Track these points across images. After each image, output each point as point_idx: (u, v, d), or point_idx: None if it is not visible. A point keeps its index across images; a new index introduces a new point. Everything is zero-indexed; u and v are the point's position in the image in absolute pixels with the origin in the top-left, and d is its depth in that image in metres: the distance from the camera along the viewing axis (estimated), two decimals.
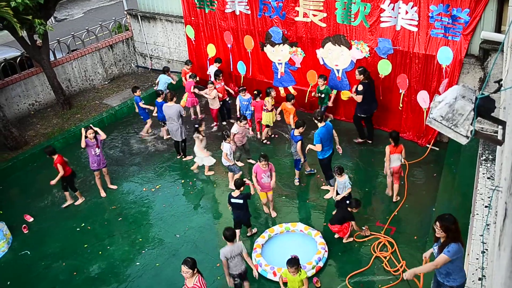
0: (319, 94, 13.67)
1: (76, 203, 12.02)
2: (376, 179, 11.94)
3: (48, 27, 14.66)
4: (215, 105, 14.43)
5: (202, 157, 12.49)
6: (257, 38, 15.16)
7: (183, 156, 13.57)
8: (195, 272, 7.45)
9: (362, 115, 12.98)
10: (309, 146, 11.04)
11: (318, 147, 10.80)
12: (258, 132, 14.11)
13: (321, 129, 10.80)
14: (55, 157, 11.44)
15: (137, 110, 14.56)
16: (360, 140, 13.30)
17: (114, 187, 12.60)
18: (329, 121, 11.66)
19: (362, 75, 12.55)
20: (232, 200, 9.95)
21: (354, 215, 9.91)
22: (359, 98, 12.60)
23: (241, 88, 13.93)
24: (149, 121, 14.66)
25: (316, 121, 10.91)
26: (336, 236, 10.14)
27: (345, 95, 13.88)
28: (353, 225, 9.97)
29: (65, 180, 11.76)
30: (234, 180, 10.05)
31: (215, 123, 14.89)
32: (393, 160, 10.63)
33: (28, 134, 15.29)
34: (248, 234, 10.53)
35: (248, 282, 8.84)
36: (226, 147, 11.42)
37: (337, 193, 10.26)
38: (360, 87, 12.56)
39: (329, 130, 10.90)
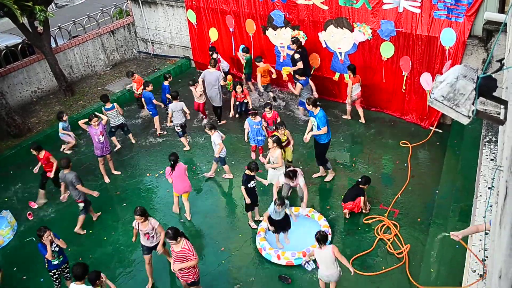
0: (244, 61, 14.87)
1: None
2: (379, 162, 11.97)
3: (48, 13, 14.64)
4: (201, 99, 14.15)
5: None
6: (259, 21, 15.10)
7: (217, 121, 14.29)
8: (179, 239, 7.98)
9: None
10: (313, 132, 10.93)
11: (325, 130, 10.79)
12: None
13: (322, 112, 10.84)
14: (42, 153, 11.34)
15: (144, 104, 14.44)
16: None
17: (118, 172, 12.65)
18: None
19: (295, 44, 13.62)
20: (250, 185, 9.99)
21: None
22: (300, 65, 13.42)
23: (251, 112, 12.09)
24: (157, 118, 14.24)
25: (311, 108, 10.88)
26: (347, 215, 10.29)
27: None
28: (362, 201, 10.11)
29: (47, 177, 11.61)
30: (249, 164, 9.96)
31: (203, 116, 14.43)
32: (355, 88, 12.95)
33: (31, 122, 15.34)
34: (256, 218, 10.57)
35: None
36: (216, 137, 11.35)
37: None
38: (297, 56, 13.54)
39: (324, 112, 11.00)
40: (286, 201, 9.51)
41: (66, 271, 9.13)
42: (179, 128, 13.06)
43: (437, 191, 10.42)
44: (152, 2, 18.01)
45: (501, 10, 10.70)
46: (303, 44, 14.14)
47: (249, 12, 15.13)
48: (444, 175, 10.70)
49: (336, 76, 14.15)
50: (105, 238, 10.71)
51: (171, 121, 13.12)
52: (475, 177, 9.49)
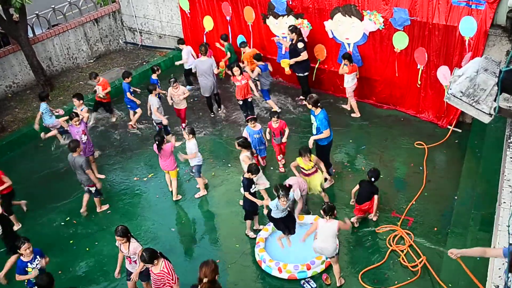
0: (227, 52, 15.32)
1: (14, 228, 11.05)
2: (391, 165, 11.96)
3: (25, 0, 14.63)
4: (181, 105, 13.72)
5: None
6: (258, 9, 15.10)
7: (218, 109, 14.71)
8: (156, 262, 7.88)
9: (306, 73, 14.12)
10: (314, 137, 10.89)
11: (327, 133, 10.82)
12: (280, 162, 12.24)
13: (324, 112, 10.86)
14: None
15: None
16: (302, 97, 14.52)
17: (102, 176, 12.62)
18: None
19: (294, 33, 13.67)
20: (251, 191, 9.96)
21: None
22: (304, 55, 13.67)
23: (249, 117, 11.66)
24: (139, 111, 14.23)
25: (312, 108, 10.91)
26: (356, 224, 10.31)
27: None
28: (377, 199, 10.11)
29: (3, 198, 10.89)
30: (250, 165, 9.94)
31: (184, 124, 13.97)
32: (352, 79, 13.21)
33: (5, 120, 15.32)
34: (255, 227, 10.57)
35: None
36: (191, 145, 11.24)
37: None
38: (301, 45, 13.66)
39: (326, 112, 11.00)
40: (291, 195, 9.43)
41: None
42: (160, 125, 13.33)
43: (455, 197, 10.42)
44: None
45: None
46: (307, 34, 14.17)
47: None
48: (463, 179, 10.69)
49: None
50: (87, 248, 10.68)
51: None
52: (498, 182, 9.47)
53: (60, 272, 10.03)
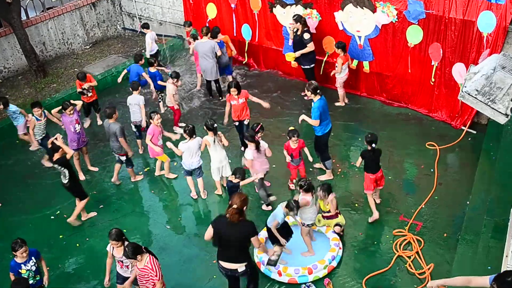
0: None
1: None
2: (400, 166, 11.97)
3: None
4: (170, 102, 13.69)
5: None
6: None
7: (220, 98, 14.90)
8: (140, 257, 7.85)
9: (312, 65, 14.14)
10: (304, 117, 11.10)
11: (316, 123, 10.97)
12: (291, 185, 11.62)
13: (320, 102, 10.91)
14: None
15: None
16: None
17: (95, 169, 12.68)
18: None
19: (299, 23, 13.63)
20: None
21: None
22: (311, 46, 13.64)
23: (258, 127, 10.92)
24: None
25: (310, 95, 11.01)
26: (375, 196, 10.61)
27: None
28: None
29: None
30: (234, 170, 9.99)
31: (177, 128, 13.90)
32: (344, 68, 13.49)
33: None
34: None
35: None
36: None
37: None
38: (307, 35, 13.64)
39: (326, 101, 11.11)
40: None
41: None
42: (134, 128, 13.22)
43: (467, 202, 10.39)
44: None
45: None
46: (315, 25, 14.17)
47: None
48: (477, 183, 10.66)
49: (354, 64, 14.13)
50: (77, 244, 10.71)
51: None
52: None
53: (48, 268, 10.03)
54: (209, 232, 8.12)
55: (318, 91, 10.94)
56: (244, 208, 8.00)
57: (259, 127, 10.80)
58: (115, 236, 8.29)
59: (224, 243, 8.12)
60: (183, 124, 13.08)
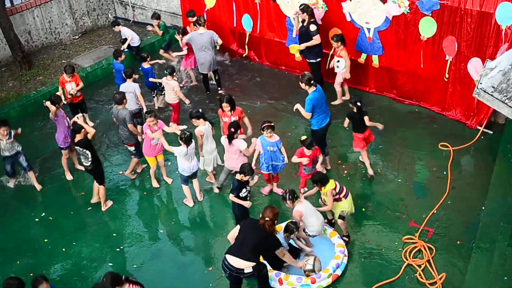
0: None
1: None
2: (411, 168, 11.97)
3: None
4: (174, 98, 13.56)
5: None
6: None
7: (219, 89, 15.02)
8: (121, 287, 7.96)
9: (318, 59, 14.05)
10: (299, 106, 11.31)
11: (307, 115, 11.19)
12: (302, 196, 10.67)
13: (314, 94, 11.07)
14: None
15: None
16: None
17: (83, 168, 12.67)
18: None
19: (305, 13, 13.57)
20: (241, 194, 9.93)
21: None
22: (317, 39, 13.59)
23: (265, 125, 10.73)
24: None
25: (304, 86, 11.17)
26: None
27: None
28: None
29: None
30: (242, 167, 9.93)
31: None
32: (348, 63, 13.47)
33: None
34: None
35: None
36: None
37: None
38: (313, 27, 13.58)
39: (322, 94, 11.24)
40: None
41: None
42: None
43: (483, 208, 10.40)
44: None
45: None
46: (321, 16, 14.17)
47: None
48: (493, 187, 10.67)
49: (362, 58, 14.13)
50: (64, 249, 10.72)
51: None
52: None
53: (31, 274, 10.04)
54: (234, 232, 8.65)
55: (313, 82, 11.10)
56: (276, 221, 8.63)
57: (265, 125, 10.71)
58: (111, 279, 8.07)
59: (243, 242, 8.47)
60: (183, 126, 13.19)
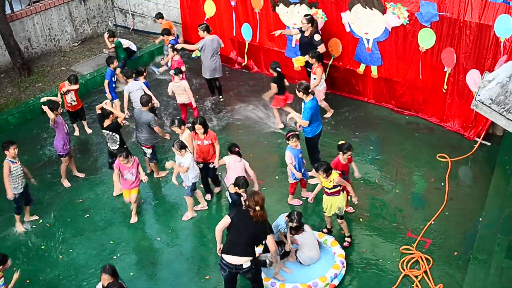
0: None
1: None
2: (409, 178, 11.98)
3: None
4: (184, 98, 13.57)
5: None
6: None
7: (220, 97, 15.20)
8: None
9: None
10: (293, 115, 11.52)
11: (305, 123, 11.30)
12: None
13: (312, 103, 11.24)
14: None
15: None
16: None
17: (81, 175, 12.67)
18: None
19: (310, 24, 13.61)
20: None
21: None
22: (322, 48, 13.67)
23: (290, 134, 10.66)
24: (117, 102, 13.85)
25: (302, 95, 11.36)
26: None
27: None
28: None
29: None
30: (236, 179, 9.90)
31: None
32: (323, 80, 13.49)
33: None
34: None
35: None
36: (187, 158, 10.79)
37: None
38: (318, 37, 13.69)
39: (318, 102, 11.56)
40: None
41: None
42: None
43: (480, 219, 10.42)
44: None
45: None
46: (321, 26, 14.21)
47: None
48: (490, 199, 10.70)
49: (361, 68, 14.18)
50: (61, 256, 10.70)
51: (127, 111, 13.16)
52: None
53: (28, 281, 10.06)
54: (224, 224, 8.56)
55: (310, 90, 11.33)
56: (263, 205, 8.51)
57: (291, 133, 10.65)
58: (111, 271, 8.06)
59: (237, 236, 8.45)
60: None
